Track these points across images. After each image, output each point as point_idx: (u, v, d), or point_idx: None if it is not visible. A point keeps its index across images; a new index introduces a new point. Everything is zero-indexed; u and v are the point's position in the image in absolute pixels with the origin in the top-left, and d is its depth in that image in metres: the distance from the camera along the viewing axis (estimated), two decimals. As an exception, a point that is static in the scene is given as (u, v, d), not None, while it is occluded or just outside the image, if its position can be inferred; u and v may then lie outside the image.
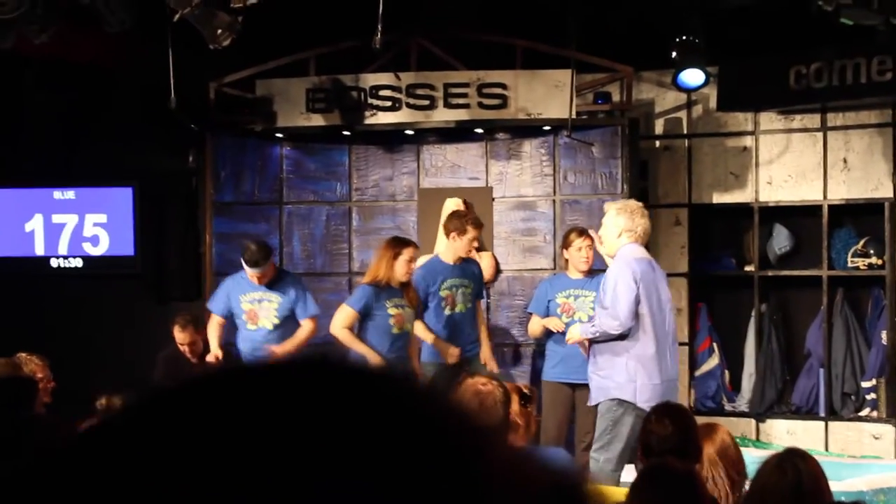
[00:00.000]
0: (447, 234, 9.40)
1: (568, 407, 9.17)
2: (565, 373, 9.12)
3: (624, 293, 7.82)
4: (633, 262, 7.95)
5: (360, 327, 9.00)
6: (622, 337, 7.86)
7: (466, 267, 9.48)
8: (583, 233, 9.17)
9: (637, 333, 7.89)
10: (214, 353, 9.50)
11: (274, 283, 9.57)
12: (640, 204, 8.45)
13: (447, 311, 9.32)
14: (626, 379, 7.75)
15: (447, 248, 9.44)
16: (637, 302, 7.87)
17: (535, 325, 9.42)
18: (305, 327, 9.54)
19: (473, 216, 9.50)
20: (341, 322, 8.96)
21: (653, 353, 7.88)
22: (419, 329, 9.28)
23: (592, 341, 8.03)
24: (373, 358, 8.62)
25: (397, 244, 9.12)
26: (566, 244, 9.30)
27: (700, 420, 5.94)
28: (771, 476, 4.03)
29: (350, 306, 9.00)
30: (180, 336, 9.96)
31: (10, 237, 11.86)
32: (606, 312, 7.88)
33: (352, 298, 9.12)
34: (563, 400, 9.16)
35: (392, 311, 8.96)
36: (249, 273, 9.41)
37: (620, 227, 8.09)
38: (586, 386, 8.33)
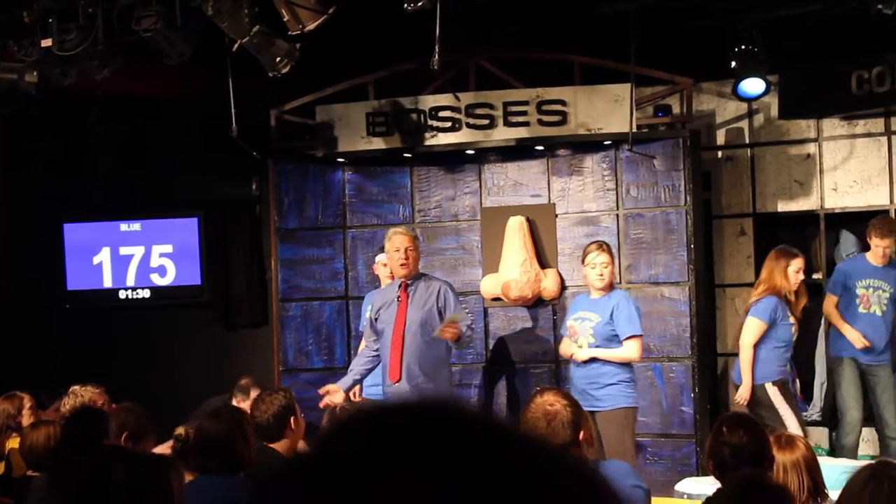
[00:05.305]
0: (868, 237, 9.74)
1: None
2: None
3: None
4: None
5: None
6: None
7: (890, 270, 9.72)
8: (601, 246, 8.78)
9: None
10: None
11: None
12: None
13: (861, 310, 9.64)
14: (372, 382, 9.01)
15: (872, 251, 9.76)
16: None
17: (565, 349, 8.98)
18: None
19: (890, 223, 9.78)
20: (754, 334, 9.09)
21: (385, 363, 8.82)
22: (834, 314, 9.80)
23: None
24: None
25: (787, 255, 9.35)
26: (582, 258, 8.90)
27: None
28: (865, 488, 3.91)
29: (759, 317, 9.16)
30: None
31: (80, 270, 11.99)
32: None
33: (759, 309, 9.21)
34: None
35: (792, 319, 9.23)
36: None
37: None
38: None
